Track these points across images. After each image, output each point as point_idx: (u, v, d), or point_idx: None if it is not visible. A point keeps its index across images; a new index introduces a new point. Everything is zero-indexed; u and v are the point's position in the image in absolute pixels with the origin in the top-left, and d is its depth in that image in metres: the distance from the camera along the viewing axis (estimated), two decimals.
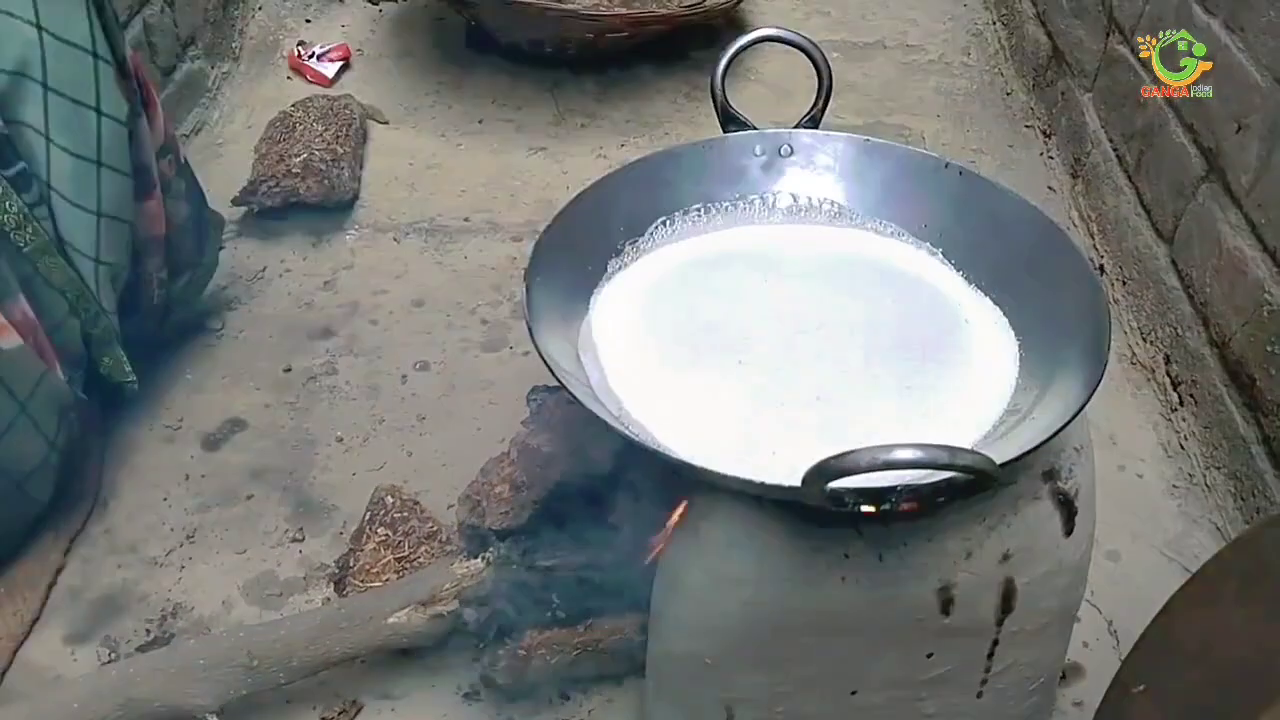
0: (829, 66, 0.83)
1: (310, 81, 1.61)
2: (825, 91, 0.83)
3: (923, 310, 0.74)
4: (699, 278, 0.77)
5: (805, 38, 0.83)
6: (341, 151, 1.36)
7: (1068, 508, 0.64)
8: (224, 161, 1.44)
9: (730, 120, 0.83)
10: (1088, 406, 0.60)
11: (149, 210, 0.96)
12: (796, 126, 0.83)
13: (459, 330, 1.19)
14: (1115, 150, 1.31)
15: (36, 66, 0.81)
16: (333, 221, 1.34)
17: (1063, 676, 0.84)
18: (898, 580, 0.61)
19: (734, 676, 0.66)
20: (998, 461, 0.52)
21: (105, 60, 0.86)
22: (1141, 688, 0.59)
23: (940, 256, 0.79)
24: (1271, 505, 0.94)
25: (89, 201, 0.88)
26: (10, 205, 0.81)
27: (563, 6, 1.52)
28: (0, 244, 0.81)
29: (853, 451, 0.50)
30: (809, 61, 0.83)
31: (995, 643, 0.65)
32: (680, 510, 0.67)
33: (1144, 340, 1.19)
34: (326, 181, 1.31)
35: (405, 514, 0.91)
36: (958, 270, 0.78)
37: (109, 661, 0.85)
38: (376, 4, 1.80)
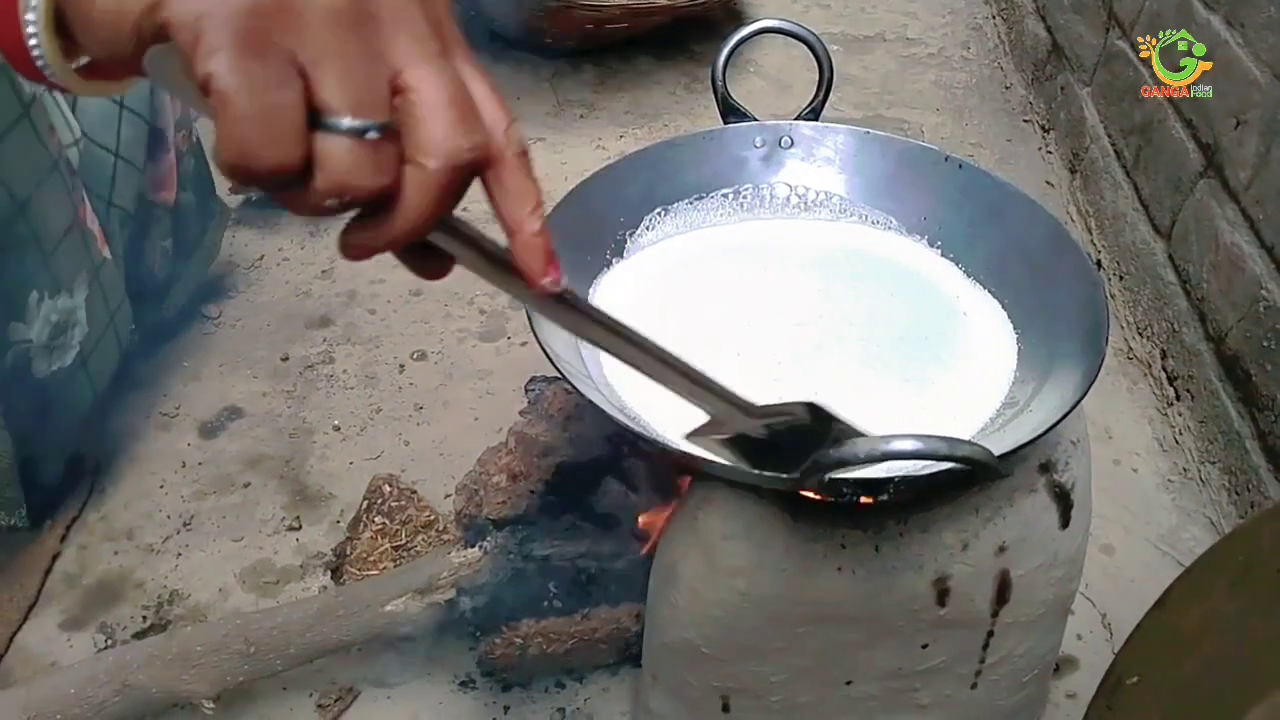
0: (829, 58, 0.83)
1: None
2: (826, 83, 0.83)
3: (922, 303, 0.74)
4: (698, 269, 0.77)
5: (807, 29, 0.83)
6: None
7: (1064, 500, 0.64)
8: None
9: (730, 111, 0.83)
10: (1084, 400, 0.60)
11: (161, 171, 0.97)
12: (797, 118, 0.83)
13: (456, 320, 1.19)
14: (1114, 145, 1.32)
15: None
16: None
17: (1056, 668, 0.84)
18: (894, 571, 0.61)
19: (730, 666, 0.66)
20: (995, 453, 0.53)
21: None
22: (1135, 680, 0.59)
23: (939, 249, 0.79)
24: (1265, 500, 0.94)
25: (109, 142, 0.89)
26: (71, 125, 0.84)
27: None
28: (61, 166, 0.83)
29: (851, 442, 0.50)
30: (808, 54, 0.83)
31: (990, 634, 0.66)
32: (677, 501, 0.67)
33: (1140, 335, 1.19)
34: None
35: (402, 503, 0.92)
36: (956, 264, 0.78)
37: (105, 648, 0.85)
38: None
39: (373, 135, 0.32)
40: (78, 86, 0.37)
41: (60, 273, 0.83)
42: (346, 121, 0.32)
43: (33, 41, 0.35)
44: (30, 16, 0.35)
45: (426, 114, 0.33)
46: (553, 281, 0.37)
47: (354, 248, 0.35)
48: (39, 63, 0.36)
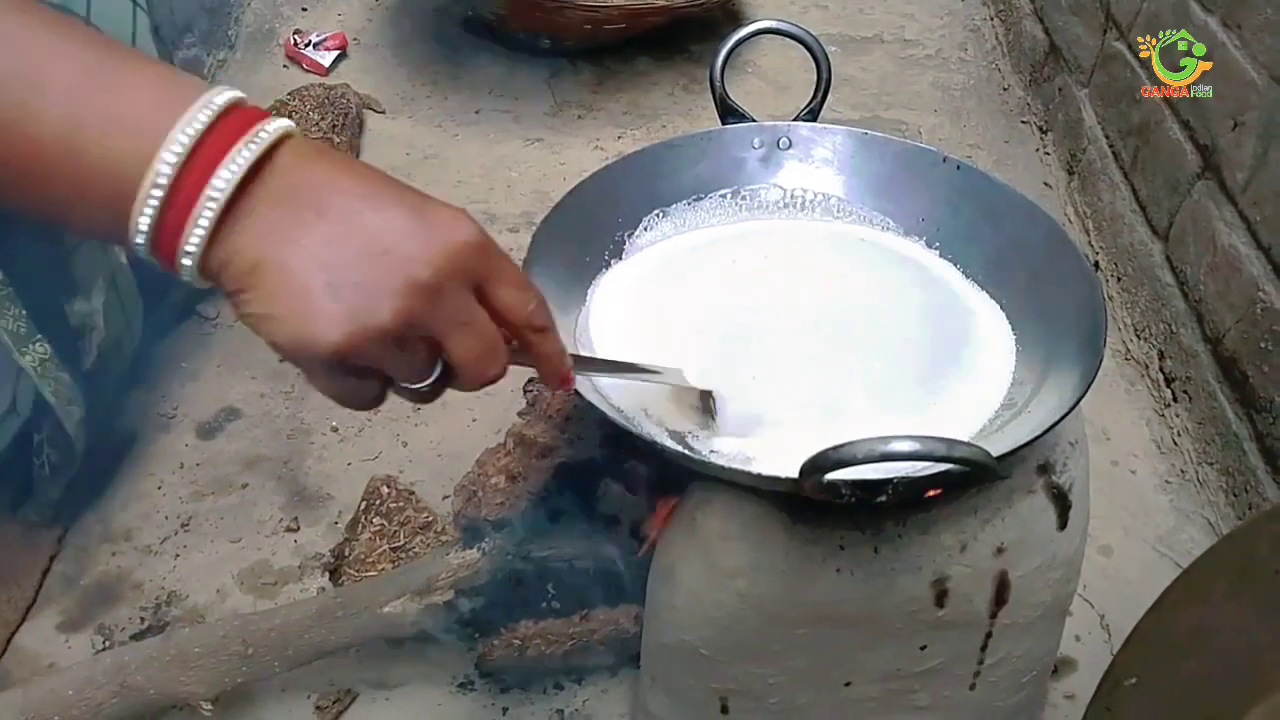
0: (828, 59, 0.83)
1: (307, 70, 1.61)
2: (824, 85, 0.83)
3: (930, 303, 0.73)
4: (696, 269, 0.77)
5: (804, 30, 0.83)
6: (338, 141, 1.36)
7: (1062, 502, 0.64)
8: None
9: (729, 112, 0.83)
10: (1082, 401, 0.60)
11: None
12: (795, 119, 0.83)
13: None
14: (1111, 146, 1.32)
15: (80, 2, 0.81)
16: None
17: (1055, 669, 0.84)
18: (892, 573, 0.61)
19: (728, 667, 0.66)
20: (994, 455, 0.53)
21: (142, 8, 0.86)
22: (1133, 681, 0.59)
23: (937, 250, 0.79)
24: (1263, 501, 0.94)
25: None
26: None
27: None
28: None
29: (850, 443, 0.50)
30: (806, 55, 0.83)
31: (988, 635, 0.66)
32: (675, 503, 0.67)
33: (1138, 336, 1.19)
34: None
35: (400, 504, 0.91)
36: (954, 265, 0.78)
37: (103, 649, 0.85)
38: None
39: (426, 387, 0.48)
40: (199, 282, 0.47)
41: (78, 276, 0.84)
42: (406, 387, 0.48)
43: (186, 275, 0.46)
44: (187, 263, 0.45)
45: (459, 371, 0.48)
46: (566, 392, 0.58)
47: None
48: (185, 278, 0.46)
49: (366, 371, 0.46)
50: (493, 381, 0.49)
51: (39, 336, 0.78)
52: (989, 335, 0.72)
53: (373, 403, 0.48)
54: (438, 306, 0.45)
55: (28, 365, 0.78)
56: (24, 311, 0.76)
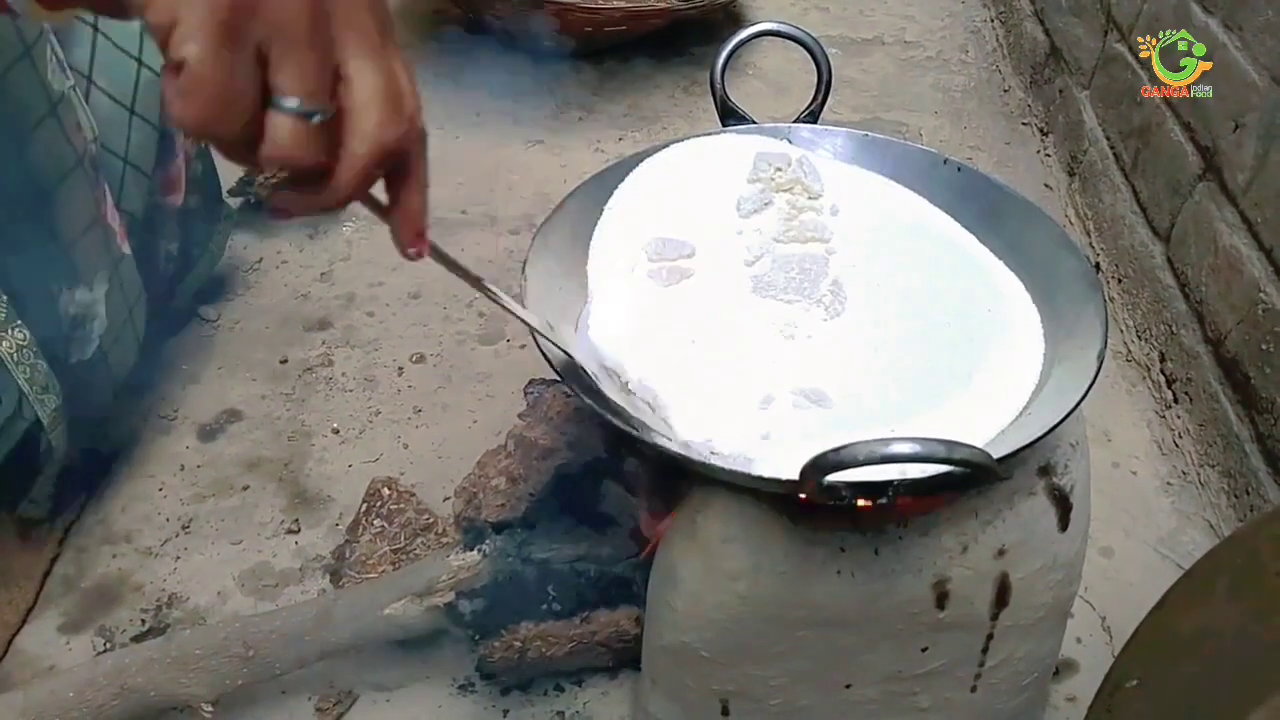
0: (828, 61, 0.83)
1: None
2: (824, 87, 0.83)
3: (964, 284, 0.72)
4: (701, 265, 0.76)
5: (805, 32, 0.83)
6: None
7: (1063, 503, 0.64)
8: None
9: (729, 114, 0.83)
10: (1083, 403, 0.60)
11: (170, 175, 0.99)
12: (795, 121, 0.83)
13: (455, 323, 1.19)
14: (1112, 148, 1.32)
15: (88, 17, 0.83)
16: (329, 213, 1.34)
17: (1056, 671, 0.84)
18: (893, 574, 0.61)
19: (729, 669, 0.66)
20: (994, 456, 0.53)
21: None
22: (1134, 683, 0.59)
23: None
24: (1265, 503, 0.94)
25: (118, 148, 0.91)
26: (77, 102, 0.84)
27: (561, 0, 1.51)
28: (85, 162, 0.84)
29: (850, 445, 0.50)
30: (807, 57, 0.83)
31: (989, 637, 0.66)
32: (676, 504, 0.67)
33: (1139, 338, 1.19)
34: None
35: (401, 506, 0.91)
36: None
37: (104, 651, 0.85)
38: None
39: (316, 120, 0.38)
40: (34, 13, 0.41)
41: (79, 266, 0.84)
42: (295, 105, 0.37)
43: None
44: None
45: (362, 106, 0.38)
46: (416, 253, 0.45)
47: (282, 211, 0.41)
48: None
49: (253, 60, 0.37)
50: (384, 162, 0.40)
51: (18, 322, 0.78)
52: (1019, 321, 0.70)
53: (247, 111, 0.37)
54: (350, 13, 0.38)
55: (3, 351, 0.78)
56: (4, 298, 0.77)
